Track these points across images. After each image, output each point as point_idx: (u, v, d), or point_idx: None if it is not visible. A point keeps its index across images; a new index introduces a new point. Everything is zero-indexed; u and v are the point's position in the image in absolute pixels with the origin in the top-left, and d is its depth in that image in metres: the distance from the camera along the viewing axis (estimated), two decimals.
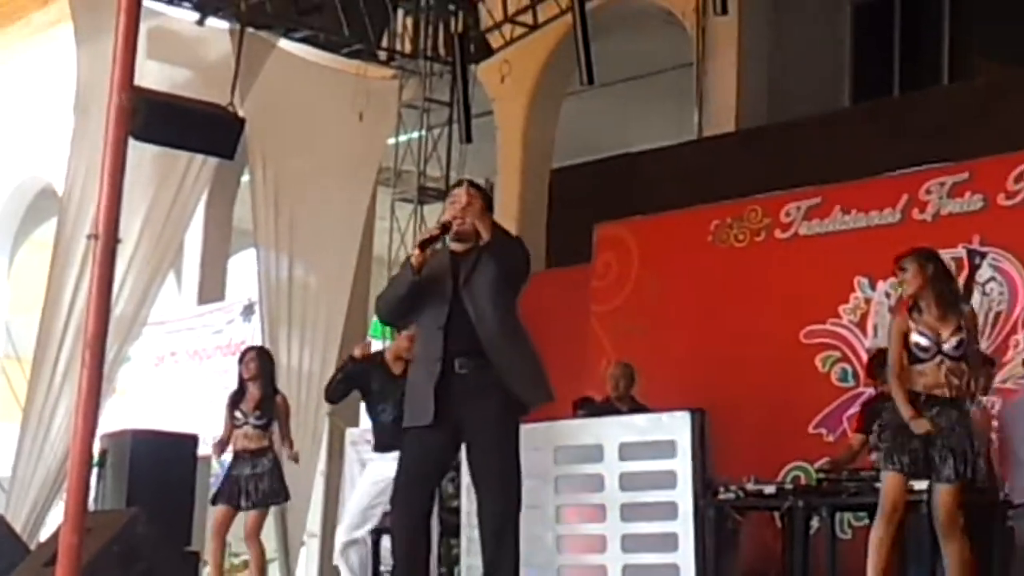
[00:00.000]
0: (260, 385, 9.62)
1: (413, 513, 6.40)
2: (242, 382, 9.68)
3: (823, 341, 10.50)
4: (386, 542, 8.54)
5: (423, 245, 6.44)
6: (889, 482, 6.84)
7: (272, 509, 10.09)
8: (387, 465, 8.81)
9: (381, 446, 8.94)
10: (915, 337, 6.88)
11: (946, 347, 6.84)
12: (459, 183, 7.07)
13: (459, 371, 6.25)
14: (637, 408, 9.84)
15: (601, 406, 10.05)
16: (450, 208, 6.58)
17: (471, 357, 6.24)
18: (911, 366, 6.88)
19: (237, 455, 9.61)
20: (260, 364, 9.69)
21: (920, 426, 6.71)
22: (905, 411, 6.77)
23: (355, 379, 9.11)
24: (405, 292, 6.43)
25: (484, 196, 6.62)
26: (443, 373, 6.25)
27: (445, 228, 6.52)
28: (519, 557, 6.28)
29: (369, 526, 9.07)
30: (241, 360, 9.78)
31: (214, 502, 9.74)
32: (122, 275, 10.90)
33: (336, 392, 9.22)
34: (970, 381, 6.89)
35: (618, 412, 9.70)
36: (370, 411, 9.11)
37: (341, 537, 9.10)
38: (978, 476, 6.88)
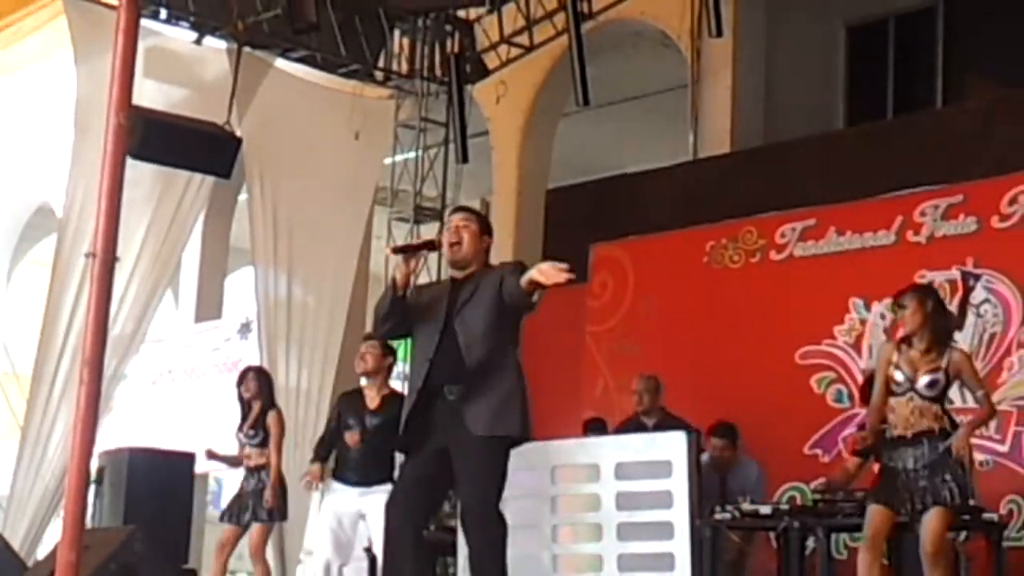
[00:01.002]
0: (260, 403, 9.66)
1: (403, 535, 6.43)
2: (243, 402, 9.70)
3: (818, 362, 10.53)
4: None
5: (398, 251, 6.47)
6: (872, 512, 7.02)
7: None
8: (346, 498, 8.89)
9: (341, 477, 9.05)
10: (892, 371, 6.99)
11: (919, 384, 6.94)
12: (455, 209, 7.12)
13: (448, 397, 6.30)
14: (667, 419, 9.77)
15: (626, 423, 9.95)
16: (444, 231, 6.63)
17: (459, 384, 6.29)
18: (889, 399, 7.02)
19: (246, 472, 9.66)
20: (259, 383, 9.71)
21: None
22: (867, 437, 7.13)
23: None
24: (387, 310, 6.46)
25: (480, 221, 6.66)
26: (428, 401, 6.30)
27: (430, 245, 6.57)
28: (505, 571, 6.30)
29: (339, 562, 9.13)
30: (240, 382, 9.81)
31: (221, 519, 9.77)
32: (120, 293, 10.92)
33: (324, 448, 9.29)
34: (938, 417, 6.97)
35: (644, 428, 9.64)
36: (336, 433, 9.16)
37: (318, 564, 9.16)
38: (965, 500, 6.96)
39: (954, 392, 7.24)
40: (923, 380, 6.94)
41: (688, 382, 10.81)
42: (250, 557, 9.69)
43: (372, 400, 8.98)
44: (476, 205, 16.92)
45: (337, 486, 9.12)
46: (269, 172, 12.59)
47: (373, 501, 8.58)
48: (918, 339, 7.01)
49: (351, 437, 8.91)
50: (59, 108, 12.84)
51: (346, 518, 9.01)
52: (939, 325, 7.05)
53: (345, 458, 9.03)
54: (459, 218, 6.56)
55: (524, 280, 6.04)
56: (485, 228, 6.61)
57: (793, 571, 7.87)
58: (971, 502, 7.09)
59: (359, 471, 8.92)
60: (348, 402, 9.17)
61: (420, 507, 6.49)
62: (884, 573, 7.27)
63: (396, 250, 6.49)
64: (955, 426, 7.45)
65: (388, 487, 8.17)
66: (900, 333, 7.21)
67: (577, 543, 7.97)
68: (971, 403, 8.96)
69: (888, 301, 7.53)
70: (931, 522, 6.86)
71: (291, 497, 10.13)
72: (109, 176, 7.50)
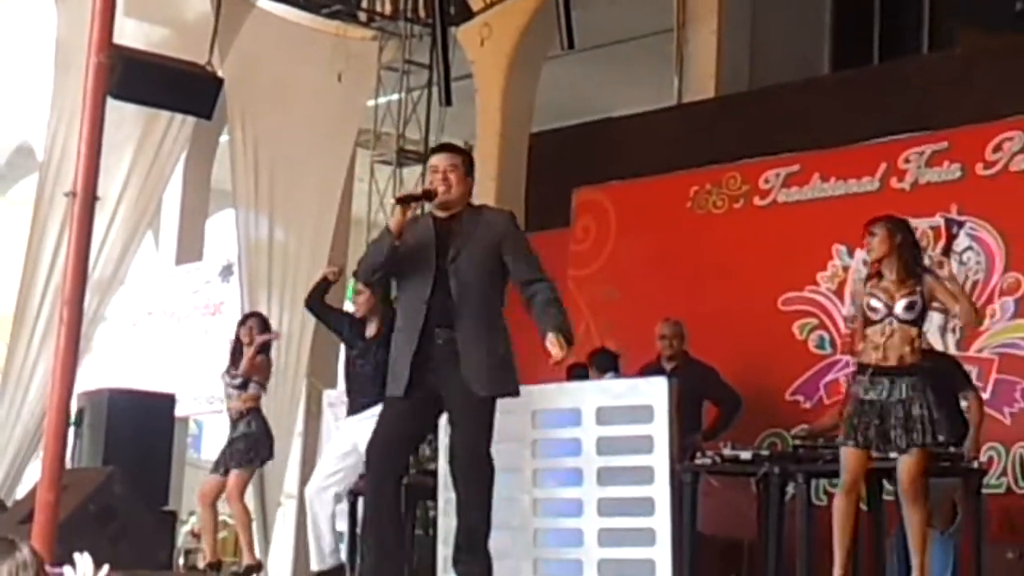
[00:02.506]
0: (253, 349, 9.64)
1: (384, 476, 6.48)
2: (240, 345, 9.66)
3: (801, 308, 10.53)
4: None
5: (402, 200, 6.43)
6: (848, 456, 6.99)
7: None
8: (355, 429, 8.83)
9: (357, 405, 8.94)
10: (868, 300, 6.99)
11: (897, 309, 6.93)
12: (437, 148, 7.08)
13: (437, 340, 6.29)
14: (689, 363, 9.75)
15: (648, 367, 9.80)
16: (431, 175, 6.57)
17: (451, 328, 6.29)
18: (865, 329, 7.00)
19: (229, 419, 9.66)
20: (262, 331, 9.71)
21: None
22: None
23: (331, 315, 9.14)
24: (384, 258, 6.44)
25: (465, 161, 6.60)
26: (421, 344, 6.30)
27: (428, 195, 6.51)
28: (490, 522, 6.40)
29: (334, 489, 9.08)
30: (239, 324, 9.78)
31: (214, 470, 9.75)
32: (101, 235, 10.88)
33: (314, 299, 9.16)
34: (915, 346, 6.98)
35: (663, 372, 9.56)
36: (348, 366, 9.08)
37: (309, 493, 9.13)
38: (940, 439, 6.96)
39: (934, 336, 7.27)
40: (901, 303, 6.95)
41: None
42: (227, 501, 9.69)
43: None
44: None
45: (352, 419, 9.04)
46: (251, 114, 12.52)
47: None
48: (888, 268, 7.03)
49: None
50: (39, 47, 12.74)
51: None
52: (908, 254, 7.07)
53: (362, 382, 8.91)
54: (446, 164, 6.49)
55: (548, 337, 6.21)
56: (470, 169, 6.57)
57: (772, 516, 7.90)
58: (940, 437, 7.07)
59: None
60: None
61: (403, 461, 6.59)
62: (858, 520, 7.31)
63: (400, 199, 6.44)
64: (932, 354, 7.52)
65: None
66: (872, 264, 7.21)
67: (557, 487, 7.98)
68: (952, 346, 9.06)
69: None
70: (908, 461, 6.87)
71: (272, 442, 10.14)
72: (89, 115, 7.44)
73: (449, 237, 6.37)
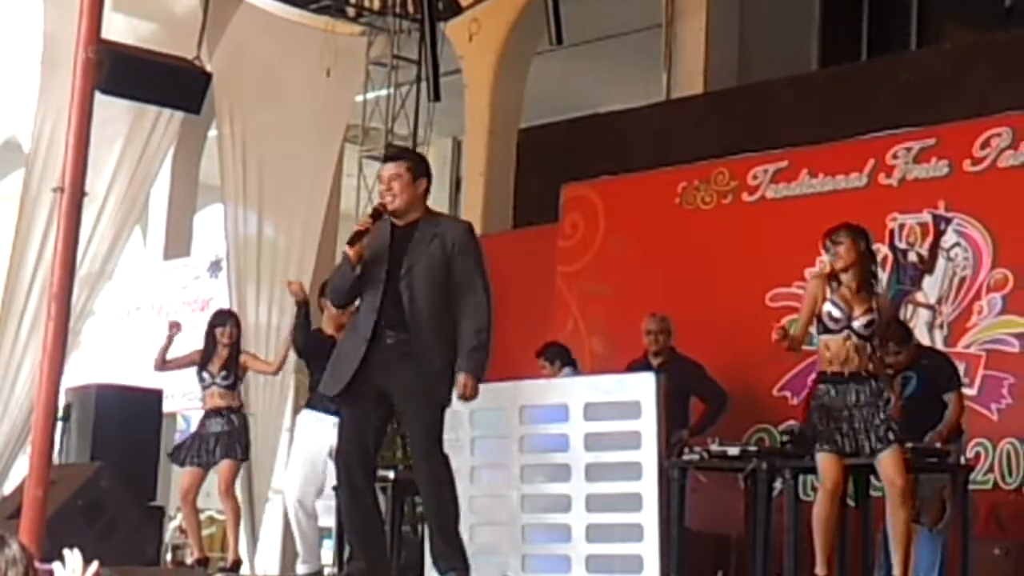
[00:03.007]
0: (229, 350, 9.67)
1: (353, 475, 6.62)
2: (214, 344, 9.68)
3: (789, 304, 10.51)
4: None
5: (354, 240, 6.47)
6: (825, 462, 7.02)
7: None
8: (319, 432, 8.89)
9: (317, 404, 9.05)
10: (828, 307, 7.00)
11: (856, 324, 6.98)
12: (385, 157, 7.14)
13: (387, 341, 6.40)
14: (675, 359, 9.75)
15: (635, 364, 9.77)
16: (382, 187, 6.61)
17: (401, 331, 6.38)
18: (820, 336, 7.03)
19: (207, 414, 9.64)
20: (238, 331, 9.75)
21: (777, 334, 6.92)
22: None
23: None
24: (348, 285, 6.58)
25: (411, 167, 6.57)
26: (369, 348, 6.42)
27: (377, 214, 6.55)
28: (457, 514, 6.56)
29: (312, 494, 9.15)
30: (219, 324, 9.79)
31: (181, 463, 9.72)
32: (88, 230, 10.83)
33: (299, 336, 9.24)
34: (871, 359, 7.05)
35: (650, 368, 9.55)
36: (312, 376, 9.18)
37: (289, 501, 9.17)
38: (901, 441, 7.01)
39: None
40: (860, 321, 6.99)
41: None
42: (220, 494, 9.70)
43: None
44: (448, 144, 16.93)
45: (311, 417, 9.14)
46: (239, 109, 12.49)
47: None
48: (850, 277, 7.04)
49: None
50: (26, 41, 12.70)
51: (321, 453, 9.05)
52: (869, 265, 7.12)
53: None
54: (388, 172, 6.54)
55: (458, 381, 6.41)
56: (419, 172, 6.57)
57: (760, 512, 7.90)
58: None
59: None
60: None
61: (369, 456, 6.67)
62: (843, 518, 7.33)
63: (350, 240, 6.49)
64: (925, 350, 7.57)
65: None
66: (829, 271, 7.20)
67: (545, 483, 7.99)
68: (940, 342, 9.09)
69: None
70: (892, 458, 6.88)
71: (260, 436, 10.17)
72: (77, 110, 7.43)
73: (402, 249, 6.44)
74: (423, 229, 6.50)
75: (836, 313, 7.00)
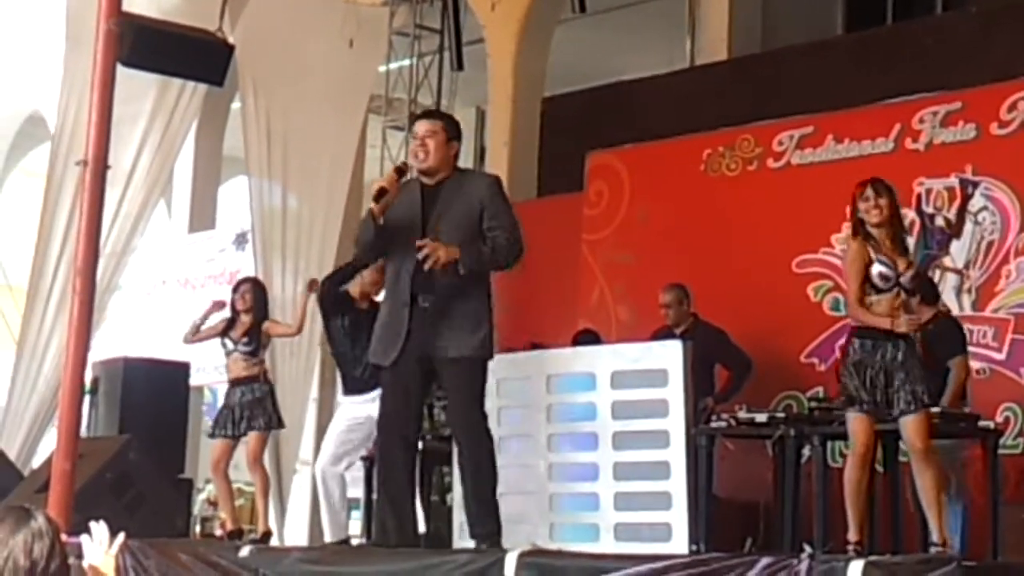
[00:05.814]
0: (252, 315, 9.66)
1: (393, 443, 6.59)
2: (235, 312, 9.69)
3: (815, 270, 10.49)
4: None
5: (377, 196, 6.46)
6: (857, 424, 6.79)
7: None
8: (357, 407, 8.89)
9: (352, 389, 9.03)
10: (877, 268, 6.83)
11: (903, 279, 6.84)
12: (420, 115, 7.13)
13: (422, 304, 6.39)
14: (697, 327, 9.69)
15: (658, 333, 9.70)
16: (412, 142, 6.63)
17: (436, 290, 6.39)
18: (868, 297, 6.87)
19: (231, 384, 9.64)
20: (254, 296, 9.72)
21: (901, 325, 6.72)
22: (882, 321, 6.74)
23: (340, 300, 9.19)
24: (371, 238, 6.55)
25: (446, 127, 6.59)
26: (410, 312, 6.41)
27: (400, 172, 6.56)
28: (495, 478, 6.52)
29: (344, 464, 9.15)
30: (235, 290, 9.81)
31: (211, 435, 9.75)
32: (114, 205, 10.86)
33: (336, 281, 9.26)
34: (919, 316, 6.98)
35: (675, 336, 9.45)
36: (339, 352, 9.16)
37: (319, 470, 9.17)
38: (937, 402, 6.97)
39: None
40: (907, 275, 6.84)
41: None
42: (248, 466, 9.71)
43: None
44: (471, 113, 16.87)
45: (348, 401, 9.15)
46: (262, 81, 12.47)
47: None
48: (884, 232, 6.86)
49: None
50: (49, 16, 12.70)
51: (354, 427, 9.04)
52: (900, 222, 7.02)
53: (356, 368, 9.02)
54: (424, 129, 6.56)
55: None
56: (453, 134, 6.60)
57: (788, 479, 7.89)
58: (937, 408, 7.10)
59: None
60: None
61: (410, 426, 6.63)
62: (873, 484, 7.28)
63: (375, 196, 6.47)
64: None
65: None
66: (860, 225, 7.02)
67: (573, 452, 7.98)
68: (968, 307, 9.04)
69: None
70: (915, 421, 6.77)
71: (287, 408, 10.17)
72: (100, 82, 7.44)
73: (432, 206, 6.44)
74: (451, 186, 6.51)
75: (887, 271, 6.84)
